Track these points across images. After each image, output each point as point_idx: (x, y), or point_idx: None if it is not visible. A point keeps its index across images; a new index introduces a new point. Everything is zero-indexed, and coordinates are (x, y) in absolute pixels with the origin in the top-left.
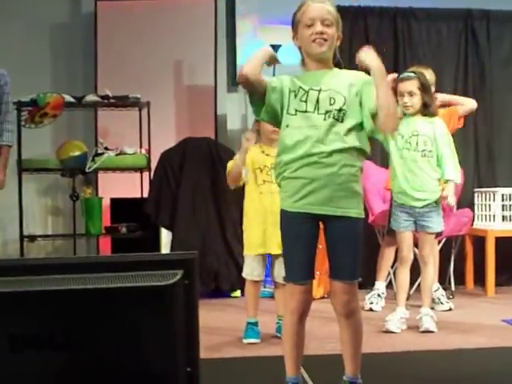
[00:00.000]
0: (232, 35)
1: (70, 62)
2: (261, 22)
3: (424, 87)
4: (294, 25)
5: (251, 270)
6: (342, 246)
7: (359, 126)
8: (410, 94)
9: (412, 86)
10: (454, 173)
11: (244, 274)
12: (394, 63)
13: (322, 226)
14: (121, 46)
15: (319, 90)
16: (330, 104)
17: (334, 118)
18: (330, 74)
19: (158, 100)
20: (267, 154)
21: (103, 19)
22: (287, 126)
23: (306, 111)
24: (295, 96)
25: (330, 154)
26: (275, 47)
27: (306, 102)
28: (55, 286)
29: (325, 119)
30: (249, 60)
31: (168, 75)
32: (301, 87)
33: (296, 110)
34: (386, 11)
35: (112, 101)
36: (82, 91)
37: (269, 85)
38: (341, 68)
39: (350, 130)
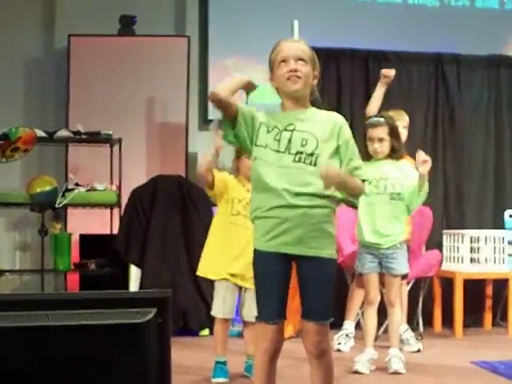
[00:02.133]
0: (204, 74)
1: (43, 96)
2: (235, 61)
3: (393, 132)
4: (270, 65)
5: (222, 307)
6: (314, 286)
7: None
8: (380, 140)
9: (382, 132)
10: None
11: (214, 313)
12: (365, 105)
13: (294, 265)
14: (93, 82)
15: (292, 130)
16: (302, 145)
17: (304, 161)
18: (305, 115)
19: (130, 137)
20: (248, 190)
21: (76, 55)
22: (255, 159)
23: (277, 151)
24: (268, 131)
25: (303, 196)
26: None
27: (278, 141)
28: (28, 323)
29: (294, 160)
30: (224, 81)
31: (140, 112)
32: (276, 126)
33: (267, 145)
34: (358, 54)
35: (84, 136)
36: (54, 126)
37: (240, 110)
38: (319, 106)
39: (318, 176)
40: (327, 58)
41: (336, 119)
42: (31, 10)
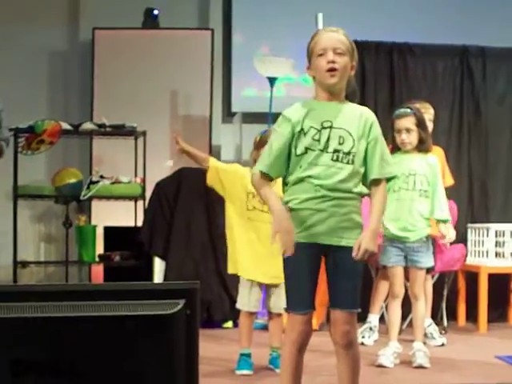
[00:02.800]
0: (228, 66)
1: (67, 89)
2: (258, 54)
3: (420, 123)
4: (308, 55)
5: (247, 300)
6: (344, 274)
7: (361, 171)
8: (408, 130)
9: (409, 122)
10: (447, 212)
11: (239, 305)
12: (390, 98)
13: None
14: (118, 75)
15: (330, 128)
16: (340, 143)
17: (341, 160)
18: (340, 110)
19: (154, 129)
20: None
21: (100, 48)
22: (300, 167)
23: (313, 149)
24: (305, 135)
25: (337, 192)
26: (271, 79)
27: (318, 141)
28: (58, 313)
29: (332, 159)
30: None
31: (164, 105)
32: (312, 126)
33: (306, 148)
34: (383, 46)
35: (108, 129)
36: (79, 118)
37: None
38: (355, 97)
39: (354, 174)
40: None
41: (367, 116)
42: (56, 3)
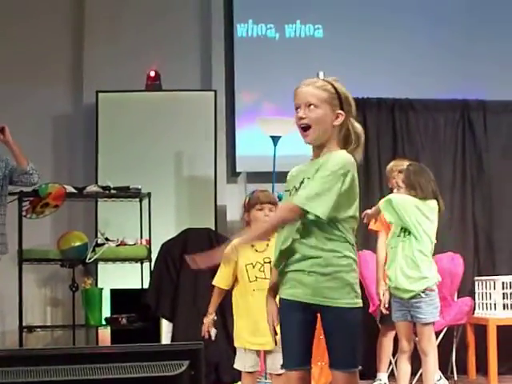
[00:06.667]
0: (232, 126)
1: (71, 152)
2: (261, 114)
3: (408, 181)
4: None
5: (243, 363)
6: (336, 336)
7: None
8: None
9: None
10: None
11: (238, 367)
12: (393, 153)
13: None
14: (122, 137)
15: (298, 189)
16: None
17: None
18: (314, 165)
19: (159, 191)
20: (256, 250)
21: (104, 110)
22: None
23: None
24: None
25: (311, 247)
26: (274, 138)
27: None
28: (65, 377)
29: None
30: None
31: (168, 166)
32: (294, 186)
33: None
34: (384, 102)
35: (113, 191)
36: (83, 182)
37: None
38: (350, 143)
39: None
40: None
41: (325, 159)
42: (59, 67)
